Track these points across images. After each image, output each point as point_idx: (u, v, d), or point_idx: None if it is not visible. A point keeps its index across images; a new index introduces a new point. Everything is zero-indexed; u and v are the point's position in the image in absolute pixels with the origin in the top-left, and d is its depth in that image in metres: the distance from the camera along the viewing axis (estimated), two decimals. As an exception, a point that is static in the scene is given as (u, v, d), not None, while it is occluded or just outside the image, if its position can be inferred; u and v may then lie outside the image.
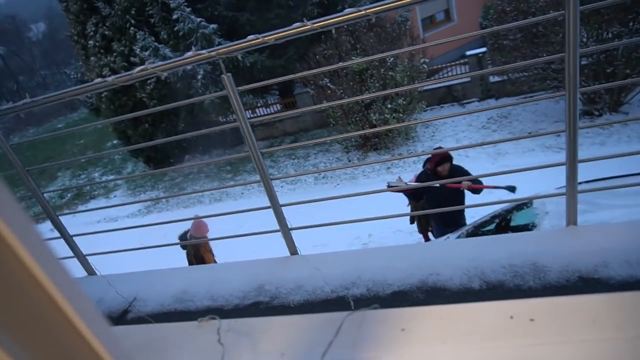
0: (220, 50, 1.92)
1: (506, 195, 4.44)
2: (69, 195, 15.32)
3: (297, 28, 1.83)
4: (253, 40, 1.88)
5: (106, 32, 11.73)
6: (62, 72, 31.21)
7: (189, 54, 1.97)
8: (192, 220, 4.62)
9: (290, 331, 1.42)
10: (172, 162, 13.84)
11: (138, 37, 10.66)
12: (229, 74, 2.00)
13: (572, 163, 1.98)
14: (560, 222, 4.08)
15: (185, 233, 4.74)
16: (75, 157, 20.10)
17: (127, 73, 2.05)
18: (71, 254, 2.86)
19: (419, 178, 4.71)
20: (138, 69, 2.02)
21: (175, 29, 10.40)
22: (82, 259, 2.90)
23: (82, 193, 14.58)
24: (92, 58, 12.17)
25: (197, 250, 4.63)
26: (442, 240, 3.36)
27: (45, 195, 2.67)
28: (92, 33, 11.96)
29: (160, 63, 2.02)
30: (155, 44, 10.63)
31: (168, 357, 1.48)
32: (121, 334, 1.63)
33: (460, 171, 4.53)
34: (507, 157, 8.81)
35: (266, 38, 1.86)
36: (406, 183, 4.61)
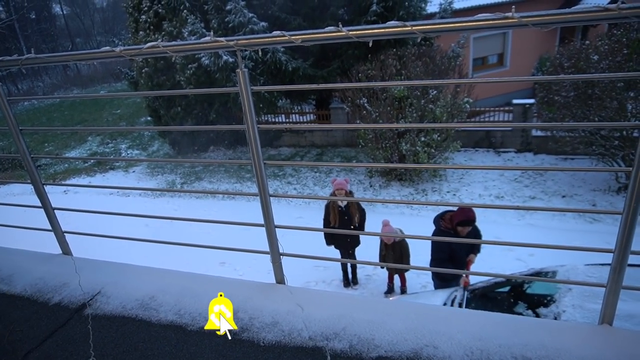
0: (240, 42, 1.69)
1: (531, 262, 4.15)
2: (91, 160, 15.49)
3: (330, 32, 1.59)
4: (278, 37, 1.64)
5: (159, 10, 11.80)
6: (111, 40, 32.08)
7: (206, 39, 1.74)
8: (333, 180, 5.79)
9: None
10: (196, 150, 13.81)
11: (189, 20, 10.67)
12: (246, 70, 1.76)
13: (622, 253, 1.64)
14: (584, 304, 3.67)
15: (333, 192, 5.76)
16: (107, 125, 20.44)
17: (136, 47, 1.84)
18: (49, 227, 2.64)
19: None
20: (148, 44, 1.81)
21: (226, 19, 10.37)
22: (60, 235, 2.69)
23: (103, 162, 14.69)
24: (141, 32, 12.28)
25: (335, 203, 5.62)
26: (446, 307, 3.00)
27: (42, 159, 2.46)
28: (146, 8, 12.06)
29: (174, 43, 1.80)
30: (204, 30, 10.61)
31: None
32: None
33: (475, 234, 4.55)
34: (535, 217, 8.34)
35: (293, 37, 1.62)
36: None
